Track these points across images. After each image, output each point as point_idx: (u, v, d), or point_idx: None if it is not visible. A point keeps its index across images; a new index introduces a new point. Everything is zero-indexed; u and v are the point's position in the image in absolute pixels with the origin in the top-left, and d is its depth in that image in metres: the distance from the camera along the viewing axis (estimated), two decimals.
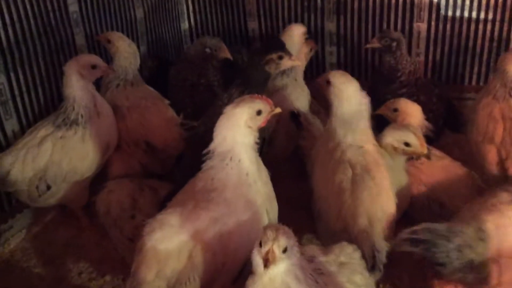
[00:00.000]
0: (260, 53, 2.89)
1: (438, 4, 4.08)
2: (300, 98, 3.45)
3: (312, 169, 2.78)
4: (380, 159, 2.56)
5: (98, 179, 3.18)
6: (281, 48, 3.01)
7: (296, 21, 4.48)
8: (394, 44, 3.48)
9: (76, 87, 2.97)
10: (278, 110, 2.31)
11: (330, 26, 4.39)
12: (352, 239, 2.31)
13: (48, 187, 2.97)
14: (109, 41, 3.37)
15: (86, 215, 3.29)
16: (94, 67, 3.01)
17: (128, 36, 4.01)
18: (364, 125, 2.59)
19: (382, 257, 2.29)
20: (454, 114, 3.68)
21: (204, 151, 2.24)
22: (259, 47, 3.21)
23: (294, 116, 3.28)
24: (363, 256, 2.20)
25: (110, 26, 3.94)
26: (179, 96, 3.66)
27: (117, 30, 3.97)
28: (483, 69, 4.22)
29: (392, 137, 2.70)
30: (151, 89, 3.49)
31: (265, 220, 2.23)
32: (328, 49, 4.51)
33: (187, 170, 2.50)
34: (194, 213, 2.11)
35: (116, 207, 2.86)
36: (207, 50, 3.67)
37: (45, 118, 3.12)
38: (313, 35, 4.40)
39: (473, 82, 4.29)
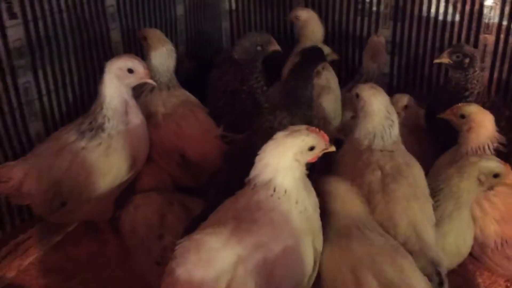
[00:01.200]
0: (308, 68, 2.71)
1: (511, 15, 3.65)
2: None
3: (335, 174, 2.53)
4: (412, 160, 2.46)
5: (127, 189, 2.88)
6: (322, 57, 2.85)
7: (347, 25, 4.15)
8: (467, 60, 3.09)
9: (109, 86, 2.66)
10: (332, 148, 2.08)
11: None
12: None
13: (63, 204, 2.66)
14: (145, 38, 3.07)
15: (110, 228, 2.98)
16: (131, 71, 2.68)
17: (166, 33, 3.76)
18: (394, 135, 2.53)
19: (444, 270, 2.11)
20: None
21: (245, 180, 1.99)
22: (302, 61, 2.84)
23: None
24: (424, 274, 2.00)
25: (149, 22, 3.65)
26: (219, 103, 3.33)
27: (156, 27, 3.69)
28: None
29: (478, 170, 2.29)
30: (189, 94, 3.18)
31: (311, 252, 1.96)
32: None
33: (222, 187, 2.29)
34: (236, 235, 1.83)
35: (143, 225, 2.59)
36: (259, 48, 3.33)
37: (73, 121, 2.83)
38: (365, 42, 4.03)
39: None
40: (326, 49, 3.71)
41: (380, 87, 2.70)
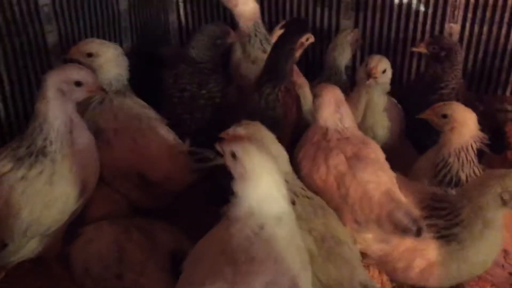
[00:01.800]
0: (292, 39, 2.63)
1: (476, 3, 3.51)
2: None
3: (299, 166, 2.51)
4: (367, 139, 2.56)
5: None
6: (304, 28, 2.84)
7: (306, 17, 3.88)
8: (443, 53, 2.97)
9: (52, 104, 2.25)
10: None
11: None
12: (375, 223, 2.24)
13: (4, 245, 2.27)
14: (90, 55, 2.65)
15: (59, 262, 2.58)
16: (78, 84, 2.30)
17: (109, 31, 3.37)
18: (347, 125, 2.55)
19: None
20: (499, 134, 3.17)
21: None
22: (287, 32, 2.66)
23: None
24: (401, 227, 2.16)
25: (89, 21, 3.22)
26: (176, 111, 2.99)
27: (97, 25, 3.29)
28: None
29: (501, 187, 2.07)
30: (144, 104, 2.80)
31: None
32: None
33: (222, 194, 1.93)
34: (240, 283, 1.62)
35: (97, 264, 2.26)
36: (218, 41, 3.04)
37: (5, 145, 2.39)
38: (326, 34, 3.79)
39: (509, 93, 3.77)
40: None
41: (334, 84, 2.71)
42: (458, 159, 2.53)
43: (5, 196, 2.21)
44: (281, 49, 2.65)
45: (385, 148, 2.60)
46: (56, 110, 2.27)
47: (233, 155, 1.80)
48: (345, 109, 2.59)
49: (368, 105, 3.00)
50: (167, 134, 2.67)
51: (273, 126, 2.29)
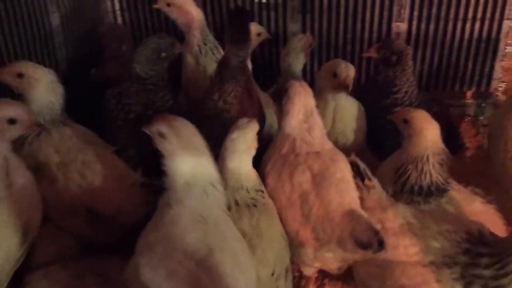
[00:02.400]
0: (236, 33, 2.49)
1: (421, 1, 3.49)
2: None
3: (265, 179, 2.39)
4: (337, 155, 2.38)
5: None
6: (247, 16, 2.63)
7: (251, 20, 3.75)
8: (394, 58, 2.90)
9: None
10: None
11: (294, 27, 3.67)
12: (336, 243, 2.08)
13: None
14: (20, 76, 2.39)
15: None
16: (12, 121, 2.07)
17: (42, 52, 3.10)
18: (316, 136, 2.41)
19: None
20: (454, 134, 3.15)
21: None
22: (233, 25, 2.52)
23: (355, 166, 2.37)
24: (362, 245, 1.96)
25: (18, 41, 2.93)
26: (121, 135, 2.76)
27: (28, 46, 3.00)
28: (469, 73, 3.73)
29: None
30: (87, 131, 2.58)
31: None
32: None
33: None
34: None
35: None
36: (163, 54, 2.85)
37: None
38: (273, 38, 3.67)
39: (457, 88, 3.80)
40: (259, 28, 3.40)
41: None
42: (416, 168, 2.46)
43: None
44: (231, 44, 2.51)
45: (359, 149, 2.56)
46: None
47: (161, 135, 1.89)
48: (315, 119, 2.45)
49: (336, 110, 2.89)
50: (116, 164, 2.47)
51: (227, 128, 2.22)
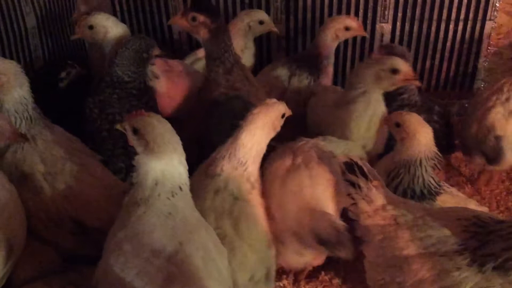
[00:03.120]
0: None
1: (405, 2, 3.48)
2: None
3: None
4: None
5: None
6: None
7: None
8: None
9: None
10: None
11: (278, 27, 3.61)
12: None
13: None
14: None
15: None
16: None
17: (18, 53, 2.98)
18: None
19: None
20: (451, 133, 3.15)
21: None
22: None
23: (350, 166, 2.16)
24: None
25: None
26: (107, 146, 2.62)
27: (2, 47, 2.87)
28: (452, 74, 3.74)
29: None
30: (70, 136, 2.46)
31: None
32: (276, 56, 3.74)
33: None
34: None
35: None
36: (145, 55, 2.76)
37: None
38: (257, 40, 3.60)
39: (441, 89, 3.81)
40: (261, 15, 3.33)
41: None
42: (409, 172, 2.43)
43: None
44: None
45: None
46: None
47: (135, 131, 1.86)
48: None
49: (373, 114, 2.69)
50: (103, 174, 2.37)
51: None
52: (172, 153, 1.84)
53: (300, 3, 3.55)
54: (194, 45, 3.65)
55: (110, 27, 2.94)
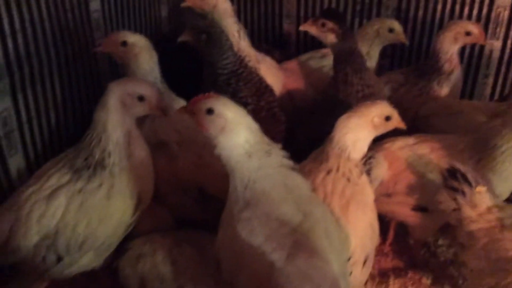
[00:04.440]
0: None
1: None
2: None
3: None
4: None
5: None
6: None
7: None
8: None
9: (112, 114, 2.17)
10: None
11: None
12: None
13: (59, 258, 2.19)
14: (123, 44, 2.51)
15: (109, 276, 2.46)
16: (141, 98, 2.21)
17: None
18: None
19: None
20: None
21: None
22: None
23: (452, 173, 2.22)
24: None
25: (134, 26, 3.13)
26: None
27: (141, 31, 3.20)
28: None
29: None
30: None
31: None
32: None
33: None
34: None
35: (154, 280, 2.16)
36: (203, 36, 2.70)
37: (61, 154, 2.31)
38: None
39: None
40: (397, 26, 3.27)
41: None
42: None
43: (62, 209, 2.14)
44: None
45: None
46: (115, 121, 2.19)
47: (209, 111, 1.83)
48: None
49: None
50: None
51: None
52: (249, 123, 1.86)
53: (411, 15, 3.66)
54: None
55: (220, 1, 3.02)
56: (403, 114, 2.30)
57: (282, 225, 1.77)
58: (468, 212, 2.13)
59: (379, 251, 2.72)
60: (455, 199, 2.14)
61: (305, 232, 1.77)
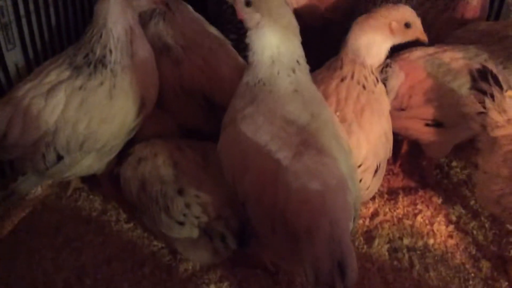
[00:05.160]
0: None
1: None
2: None
3: None
4: None
5: None
6: None
7: None
8: None
9: (113, 7, 2.07)
10: None
11: None
12: None
13: (59, 157, 2.14)
14: None
15: (111, 182, 2.44)
16: None
17: None
18: None
19: None
20: None
21: None
22: None
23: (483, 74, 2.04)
24: None
25: None
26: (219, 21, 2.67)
27: None
28: None
29: None
30: (203, 18, 2.53)
31: None
32: None
33: None
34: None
35: (154, 182, 2.10)
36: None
37: (61, 52, 2.22)
38: None
39: None
40: None
41: None
42: None
43: (62, 105, 2.06)
44: None
45: None
46: (116, 15, 2.08)
47: (248, 3, 1.76)
48: None
49: None
50: (235, 55, 2.44)
51: None
52: (287, 27, 1.77)
53: None
54: None
55: None
56: (426, 31, 2.16)
57: (289, 124, 1.70)
58: (495, 116, 1.99)
59: (389, 171, 2.65)
60: (482, 102, 1.99)
61: (313, 131, 1.70)
